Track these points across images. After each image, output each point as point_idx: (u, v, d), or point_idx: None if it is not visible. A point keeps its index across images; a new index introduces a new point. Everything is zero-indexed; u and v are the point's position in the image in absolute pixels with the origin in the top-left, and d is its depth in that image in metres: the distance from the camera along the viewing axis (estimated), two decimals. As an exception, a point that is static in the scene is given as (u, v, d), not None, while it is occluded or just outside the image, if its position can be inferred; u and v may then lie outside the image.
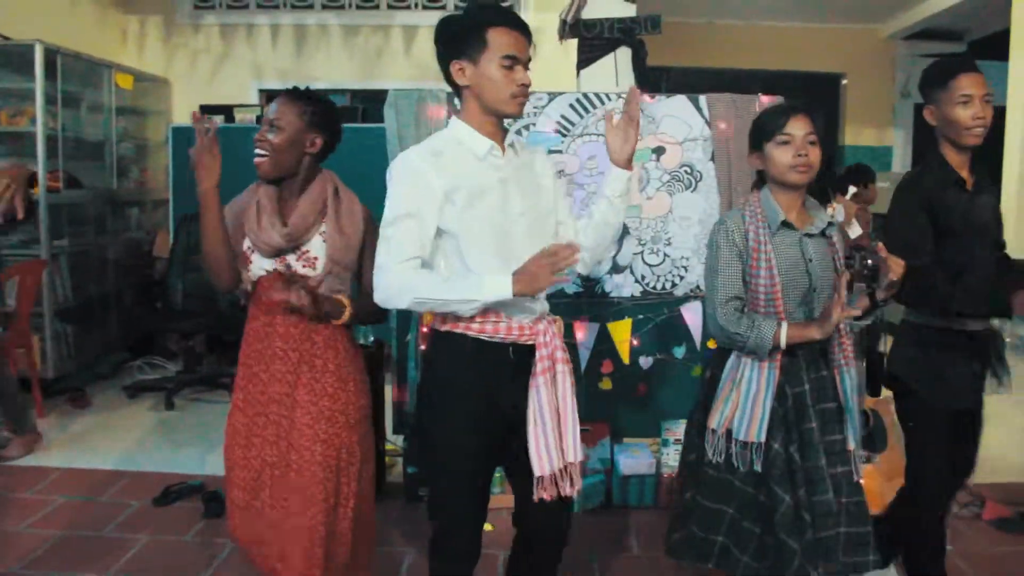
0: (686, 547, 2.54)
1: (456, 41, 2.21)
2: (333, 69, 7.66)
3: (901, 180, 2.80)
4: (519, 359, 2.26)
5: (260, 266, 2.48)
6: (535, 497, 2.22)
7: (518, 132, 3.88)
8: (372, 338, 4.16)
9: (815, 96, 10.11)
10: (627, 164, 2.38)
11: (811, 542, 2.35)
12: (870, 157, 9.88)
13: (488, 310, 2.20)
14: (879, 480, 3.66)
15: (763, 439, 2.38)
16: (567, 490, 2.24)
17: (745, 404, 2.41)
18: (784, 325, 2.34)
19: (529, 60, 2.24)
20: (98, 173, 6.60)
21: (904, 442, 2.84)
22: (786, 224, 2.47)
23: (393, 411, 4.09)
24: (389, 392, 4.15)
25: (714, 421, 2.46)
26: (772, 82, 9.46)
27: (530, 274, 2.10)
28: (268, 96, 7.75)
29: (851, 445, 2.46)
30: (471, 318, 2.21)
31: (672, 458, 3.97)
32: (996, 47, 8.03)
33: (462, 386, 2.26)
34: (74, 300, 6.12)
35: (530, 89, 2.24)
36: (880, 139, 10.31)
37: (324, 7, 7.64)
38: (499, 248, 2.21)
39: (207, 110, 7.33)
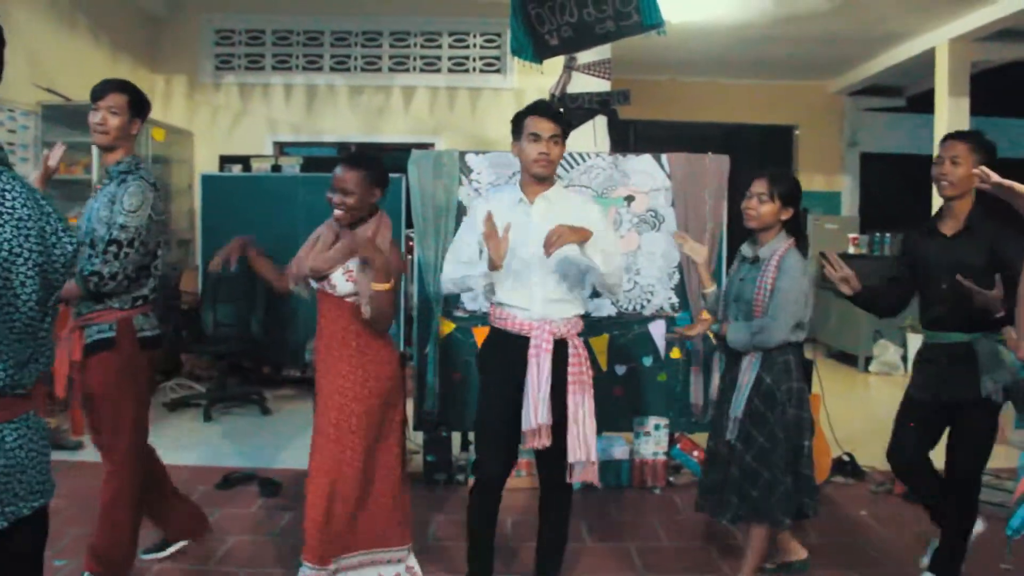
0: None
1: (514, 129, 3.28)
2: (340, 124, 8.65)
3: None
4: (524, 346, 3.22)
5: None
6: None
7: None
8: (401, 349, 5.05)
9: (770, 146, 11.07)
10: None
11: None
12: (821, 201, 10.88)
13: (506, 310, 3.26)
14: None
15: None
16: (541, 443, 3.16)
17: (739, 392, 3.35)
18: None
19: (557, 136, 3.22)
20: (134, 216, 7.42)
21: None
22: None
23: (414, 412, 4.96)
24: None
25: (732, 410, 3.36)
26: (731, 134, 10.42)
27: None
28: (280, 147, 8.68)
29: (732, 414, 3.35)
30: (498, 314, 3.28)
31: (643, 447, 4.87)
32: (932, 102, 9.08)
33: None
34: (116, 327, 6.93)
35: (550, 156, 3.22)
36: (830, 185, 11.28)
37: (332, 69, 8.64)
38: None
39: (226, 160, 8.24)
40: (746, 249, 3.47)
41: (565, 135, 3.27)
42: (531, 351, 3.16)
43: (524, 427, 3.14)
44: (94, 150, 6.51)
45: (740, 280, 3.43)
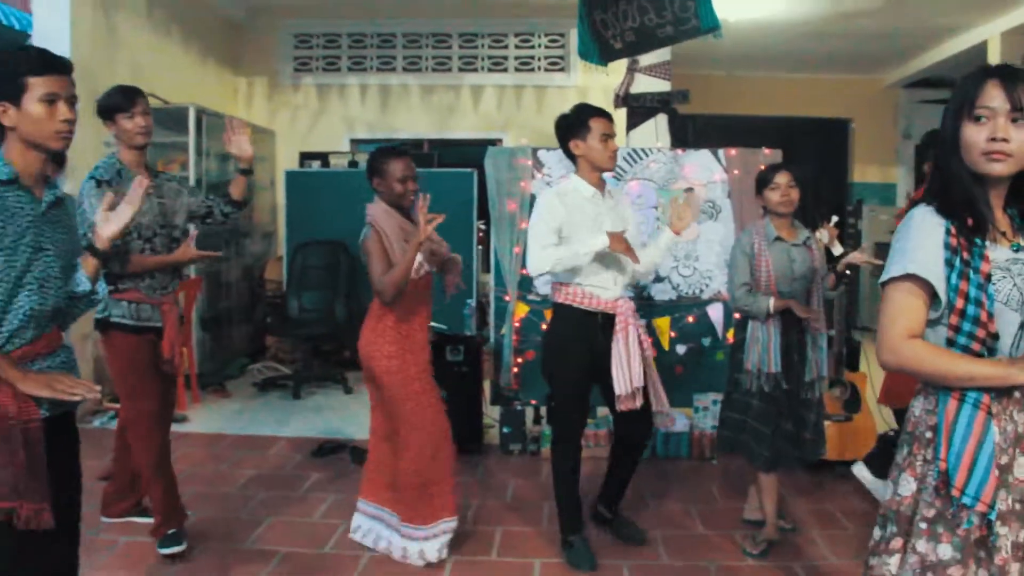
0: (724, 443, 3.95)
1: (572, 127, 3.68)
2: (412, 122, 9.14)
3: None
4: (605, 322, 3.65)
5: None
6: (618, 408, 3.63)
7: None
8: (479, 331, 5.52)
9: (826, 139, 11.24)
10: (677, 232, 3.80)
11: (791, 437, 3.78)
12: (876, 193, 11.08)
13: (587, 291, 3.63)
14: (846, 434, 4.91)
15: (780, 369, 3.74)
16: (637, 404, 3.62)
17: (764, 350, 3.76)
18: (771, 298, 3.70)
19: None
20: (223, 210, 7.95)
21: None
22: (779, 239, 3.81)
23: (491, 388, 5.41)
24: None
25: (749, 363, 3.80)
26: (787, 128, 10.61)
27: (617, 240, 3.51)
28: (356, 144, 9.17)
29: (807, 377, 3.79)
30: (576, 294, 3.63)
31: (702, 421, 5.25)
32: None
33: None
34: (209, 313, 7.48)
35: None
36: (885, 176, 11.43)
37: (405, 70, 9.13)
38: None
39: (306, 157, 8.77)
40: (799, 235, 3.92)
41: None
42: (619, 324, 3.62)
43: (619, 392, 3.57)
44: (191, 148, 7.06)
45: (792, 260, 3.82)
